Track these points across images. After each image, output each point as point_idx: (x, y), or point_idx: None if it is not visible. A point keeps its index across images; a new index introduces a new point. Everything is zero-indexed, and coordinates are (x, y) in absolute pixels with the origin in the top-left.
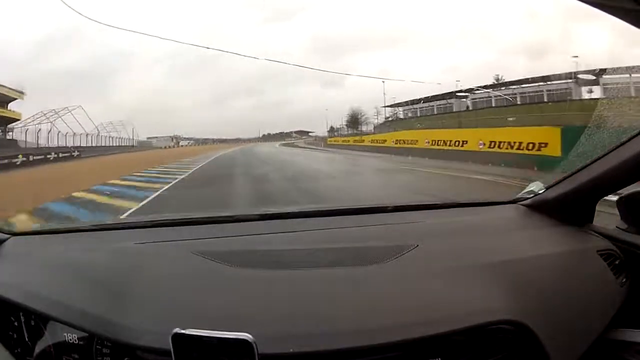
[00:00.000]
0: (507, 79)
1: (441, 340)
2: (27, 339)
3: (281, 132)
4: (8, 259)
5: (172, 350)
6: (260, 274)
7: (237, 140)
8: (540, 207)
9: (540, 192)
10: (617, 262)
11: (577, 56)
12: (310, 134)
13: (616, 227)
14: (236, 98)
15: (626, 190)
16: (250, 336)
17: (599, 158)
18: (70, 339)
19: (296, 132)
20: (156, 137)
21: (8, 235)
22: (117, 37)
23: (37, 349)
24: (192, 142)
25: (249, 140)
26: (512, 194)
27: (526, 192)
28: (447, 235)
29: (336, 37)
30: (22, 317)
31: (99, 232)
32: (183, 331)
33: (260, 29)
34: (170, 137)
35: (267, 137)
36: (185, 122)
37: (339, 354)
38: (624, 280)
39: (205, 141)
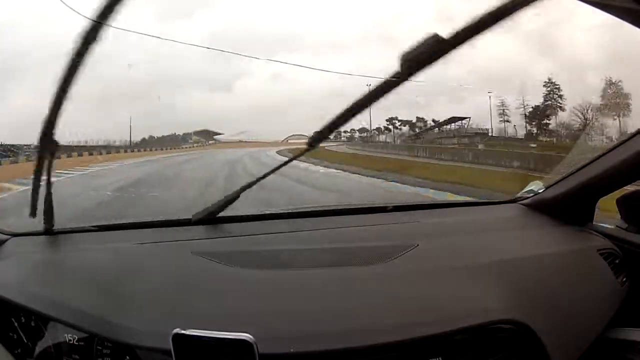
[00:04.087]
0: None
1: (442, 339)
2: (27, 340)
3: (172, 135)
4: (8, 259)
5: (172, 350)
6: (260, 274)
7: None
8: (540, 207)
9: (540, 191)
10: (617, 262)
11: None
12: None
13: (616, 226)
14: (124, 103)
15: (626, 190)
16: (250, 336)
17: (599, 158)
18: (71, 340)
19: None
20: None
21: (8, 236)
22: (6, 38)
23: (38, 350)
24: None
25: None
26: (512, 194)
27: (526, 192)
28: (447, 234)
29: (231, 40)
30: (22, 317)
31: (99, 233)
32: (183, 331)
33: (154, 26)
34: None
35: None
36: (68, 129)
37: (339, 353)
38: (624, 279)
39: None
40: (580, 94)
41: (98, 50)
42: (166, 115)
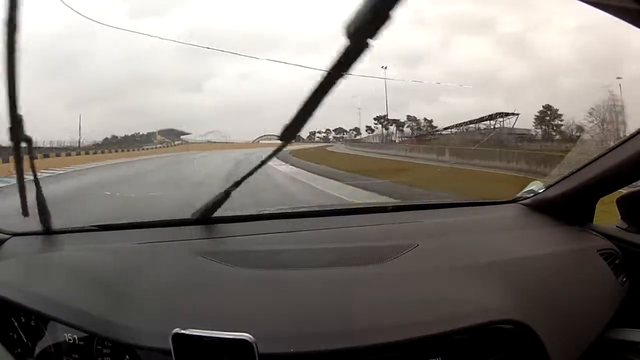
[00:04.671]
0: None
1: (442, 339)
2: (27, 340)
3: (135, 134)
4: (8, 259)
5: (172, 350)
6: (260, 274)
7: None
8: (540, 207)
9: (540, 191)
10: (617, 262)
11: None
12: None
13: (616, 226)
14: (95, 103)
15: (626, 190)
16: (250, 336)
17: (599, 158)
18: (71, 339)
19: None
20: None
21: (8, 235)
22: None
23: (38, 350)
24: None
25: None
26: (512, 194)
27: (526, 192)
28: (447, 234)
29: (205, 39)
30: (22, 317)
31: (99, 232)
32: (183, 331)
33: (127, 23)
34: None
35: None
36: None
37: (339, 353)
38: (624, 279)
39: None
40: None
41: (68, 48)
42: (136, 115)
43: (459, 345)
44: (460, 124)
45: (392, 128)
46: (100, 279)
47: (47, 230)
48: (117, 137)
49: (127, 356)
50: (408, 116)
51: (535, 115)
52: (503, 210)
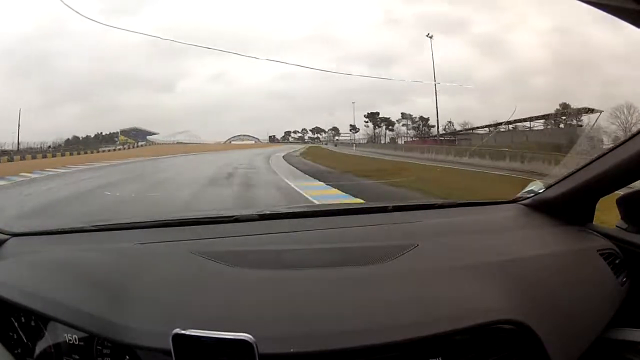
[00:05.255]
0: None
1: (442, 339)
2: (27, 340)
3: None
4: (8, 259)
5: (172, 350)
6: (261, 274)
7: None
8: (541, 207)
9: (541, 191)
10: (617, 262)
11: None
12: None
13: (616, 226)
14: (66, 103)
15: (626, 190)
16: (250, 336)
17: (599, 158)
18: (71, 340)
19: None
20: None
21: (8, 236)
22: None
23: (38, 350)
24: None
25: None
26: (512, 194)
27: (526, 192)
28: (447, 234)
29: (178, 38)
30: (22, 317)
31: (99, 233)
32: (183, 331)
33: (103, 19)
34: None
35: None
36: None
37: (339, 353)
38: (624, 279)
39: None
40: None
41: (42, 47)
42: (104, 116)
43: (459, 345)
44: (499, 123)
45: (382, 127)
46: (100, 279)
47: (47, 230)
48: (78, 137)
49: (127, 356)
50: (403, 114)
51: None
52: (503, 210)
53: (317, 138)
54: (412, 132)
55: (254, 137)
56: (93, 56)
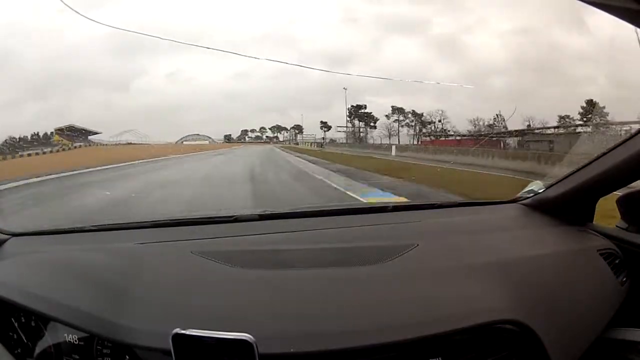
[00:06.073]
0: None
1: (442, 339)
2: (27, 340)
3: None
4: (8, 259)
5: (172, 350)
6: (261, 274)
7: None
8: (541, 207)
9: (541, 191)
10: (617, 262)
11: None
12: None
13: (616, 226)
14: (21, 102)
15: (626, 190)
16: (250, 336)
17: (599, 158)
18: (71, 339)
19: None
20: None
21: (8, 236)
22: None
23: (38, 350)
24: None
25: None
26: (512, 194)
27: (526, 192)
28: (447, 234)
29: (132, 37)
30: (22, 317)
31: (100, 233)
32: (183, 331)
33: (56, 19)
34: None
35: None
36: None
37: (339, 353)
38: (624, 279)
39: None
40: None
41: None
42: (53, 116)
43: (459, 345)
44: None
45: (360, 124)
46: (100, 279)
47: (47, 230)
48: (15, 138)
49: (127, 356)
50: (393, 107)
51: None
52: (503, 210)
53: (277, 137)
54: (405, 130)
55: (208, 137)
56: (46, 56)
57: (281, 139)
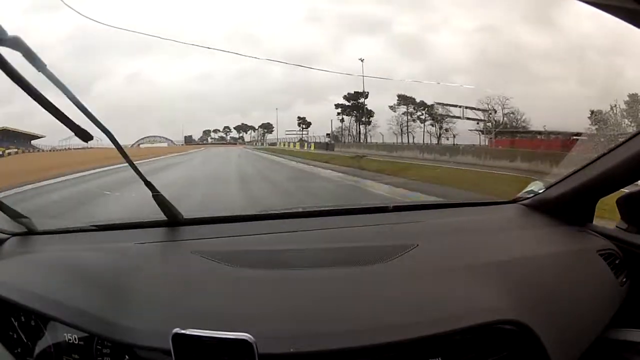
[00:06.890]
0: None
1: (441, 339)
2: (27, 340)
3: None
4: (8, 259)
5: (172, 350)
6: (260, 274)
7: None
8: (541, 207)
9: (540, 191)
10: (617, 262)
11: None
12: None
13: (616, 226)
14: None
15: (626, 190)
16: (250, 336)
17: (599, 158)
18: (71, 339)
19: None
20: None
21: (8, 235)
22: None
23: (37, 349)
24: None
25: None
26: (512, 194)
27: (526, 192)
28: (447, 234)
29: (95, 38)
30: (22, 317)
31: (99, 232)
32: (183, 331)
33: (20, 19)
34: None
35: None
36: None
37: (339, 353)
38: (624, 279)
39: None
40: None
41: None
42: (21, 121)
43: (459, 345)
44: None
45: (353, 119)
46: (100, 279)
47: (47, 230)
48: None
49: (127, 356)
50: (399, 95)
51: None
52: (503, 210)
53: (242, 138)
54: (414, 124)
55: (167, 139)
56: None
57: (247, 140)
